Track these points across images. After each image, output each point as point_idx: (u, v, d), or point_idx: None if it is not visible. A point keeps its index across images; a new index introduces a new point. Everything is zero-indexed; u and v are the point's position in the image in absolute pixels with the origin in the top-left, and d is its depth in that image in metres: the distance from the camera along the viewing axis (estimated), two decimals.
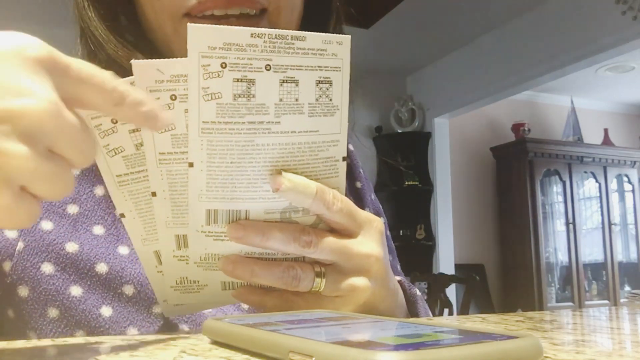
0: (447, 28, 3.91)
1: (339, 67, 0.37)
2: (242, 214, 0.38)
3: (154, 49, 0.54)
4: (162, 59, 0.34)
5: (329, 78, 0.37)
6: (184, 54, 0.34)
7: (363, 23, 3.72)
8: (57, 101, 0.26)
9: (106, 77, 0.30)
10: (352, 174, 0.68)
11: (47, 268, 0.47)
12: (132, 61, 0.34)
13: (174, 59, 0.34)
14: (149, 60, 0.34)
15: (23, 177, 0.26)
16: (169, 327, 0.47)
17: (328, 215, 0.39)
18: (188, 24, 0.33)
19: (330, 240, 0.39)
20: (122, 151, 0.37)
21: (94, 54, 0.53)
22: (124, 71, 0.53)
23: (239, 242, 0.39)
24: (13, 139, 0.25)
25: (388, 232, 0.70)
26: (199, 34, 0.33)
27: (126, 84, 0.31)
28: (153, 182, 0.37)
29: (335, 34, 0.36)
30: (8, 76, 0.26)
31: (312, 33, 0.35)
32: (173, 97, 0.35)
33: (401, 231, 4.42)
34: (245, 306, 0.51)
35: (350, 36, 0.37)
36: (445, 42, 4.16)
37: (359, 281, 0.41)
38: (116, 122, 0.36)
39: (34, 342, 0.35)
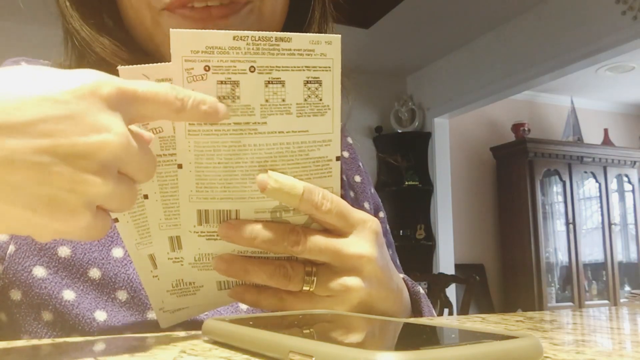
0: (447, 28, 3.90)
1: (329, 67, 0.37)
2: (233, 214, 0.39)
3: (138, 46, 0.53)
4: (147, 65, 0.35)
5: (318, 78, 0.37)
6: (167, 46, 0.34)
7: (363, 23, 3.72)
8: (126, 133, 0.30)
9: (166, 89, 0.33)
10: (351, 168, 0.67)
11: (39, 272, 0.47)
12: (119, 67, 0.34)
13: (159, 64, 0.35)
14: (135, 66, 0.35)
15: (100, 200, 0.30)
16: (163, 331, 0.47)
17: (318, 215, 0.39)
18: (170, 29, 0.34)
19: (320, 240, 0.40)
20: None
21: (83, 55, 0.53)
22: (114, 69, 0.53)
23: (229, 241, 0.39)
24: (92, 169, 0.29)
25: (387, 226, 0.69)
26: (181, 39, 0.34)
27: (183, 89, 0.34)
28: (144, 185, 0.37)
29: (324, 34, 0.36)
30: (85, 114, 0.29)
31: (299, 34, 0.35)
32: None
33: (401, 231, 4.42)
34: (243, 307, 0.51)
35: (340, 36, 0.37)
36: (445, 42, 4.16)
37: (351, 281, 0.40)
38: None
39: (34, 342, 0.35)
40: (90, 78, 0.30)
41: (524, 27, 3.71)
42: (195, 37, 0.34)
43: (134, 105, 0.32)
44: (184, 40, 0.34)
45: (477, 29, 3.93)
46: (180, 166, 0.37)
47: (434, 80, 4.55)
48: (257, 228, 0.38)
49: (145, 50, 0.53)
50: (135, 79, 0.34)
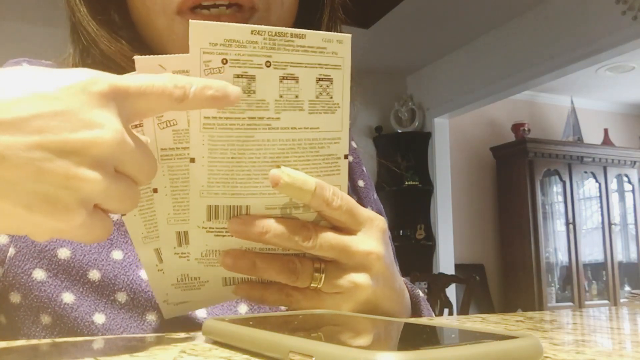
0: (447, 28, 3.90)
1: (340, 66, 0.37)
2: (243, 210, 0.39)
3: (144, 44, 0.54)
4: (164, 55, 0.35)
5: (329, 76, 0.37)
6: (177, 50, 0.34)
7: (363, 23, 3.72)
8: (121, 129, 0.30)
9: (164, 79, 0.32)
10: (355, 172, 0.67)
11: (39, 274, 0.47)
12: (135, 57, 0.34)
13: (176, 54, 0.35)
14: (152, 56, 0.34)
15: (96, 197, 0.30)
16: (163, 331, 0.47)
17: (328, 212, 0.39)
18: (190, 20, 0.34)
19: (330, 236, 0.40)
20: None
21: (87, 50, 0.53)
22: (118, 67, 0.52)
23: (240, 237, 0.39)
24: (86, 165, 0.29)
25: (388, 232, 0.69)
26: (200, 31, 0.34)
27: (184, 77, 0.33)
28: (155, 179, 0.37)
29: (335, 33, 0.37)
30: (78, 111, 0.29)
31: (312, 31, 0.36)
32: None
33: (401, 231, 4.42)
34: (242, 310, 0.51)
35: (350, 35, 0.37)
36: (445, 42, 4.16)
37: (359, 278, 0.40)
38: None
39: (34, 342, 0.35)
40: (83, 75, 0.30)
41: (524, 27, 3.71)
42: (214, 29, 0.34)
43: (129, 100, 0.31)
44: (203, 32, 0.34)
45: (477, 29, 3.93)
46: (193, 160, 0.37)
47: (434, 80, 4.55)
48: (269, 223, 0.38)
49: (152, 50, 0.53)
50: (150, 70, 0.34)
